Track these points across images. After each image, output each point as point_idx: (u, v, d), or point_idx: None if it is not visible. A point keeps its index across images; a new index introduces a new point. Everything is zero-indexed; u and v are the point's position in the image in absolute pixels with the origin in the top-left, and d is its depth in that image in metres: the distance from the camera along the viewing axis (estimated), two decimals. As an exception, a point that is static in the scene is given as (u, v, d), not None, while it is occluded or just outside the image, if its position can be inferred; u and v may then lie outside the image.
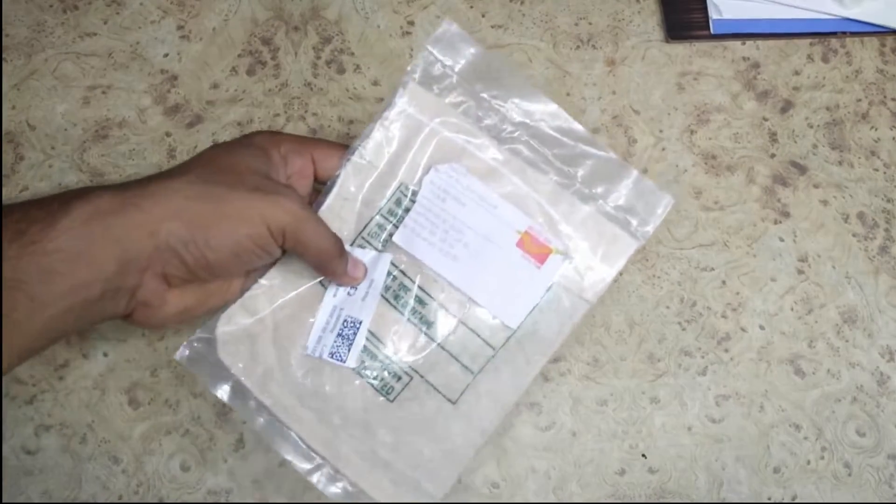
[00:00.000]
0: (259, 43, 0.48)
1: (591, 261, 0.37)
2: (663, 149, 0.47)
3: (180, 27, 0.48)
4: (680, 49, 0.49)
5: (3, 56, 0.47)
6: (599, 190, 0.38)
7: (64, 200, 0.30)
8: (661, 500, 0.41)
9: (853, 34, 0.49)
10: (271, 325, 0.37)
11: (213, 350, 0.36)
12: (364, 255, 0.38)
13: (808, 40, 0.49)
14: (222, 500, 0.41)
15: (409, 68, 0.39)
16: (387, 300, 0.37)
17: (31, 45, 0.48)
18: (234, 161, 0.34)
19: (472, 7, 0.49)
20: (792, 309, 0.44)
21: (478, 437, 0.37)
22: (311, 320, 0.37)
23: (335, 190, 0.38)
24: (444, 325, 0.37)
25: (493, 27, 0.49)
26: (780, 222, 0.46)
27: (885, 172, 0.47)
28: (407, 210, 0.37)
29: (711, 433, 0.42)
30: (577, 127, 0.38)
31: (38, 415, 0.42)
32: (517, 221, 0.37)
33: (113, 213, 0.30)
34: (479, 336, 0.37)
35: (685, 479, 0.42)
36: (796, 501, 0.42)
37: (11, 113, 0.46)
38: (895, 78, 0.49)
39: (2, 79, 0.47)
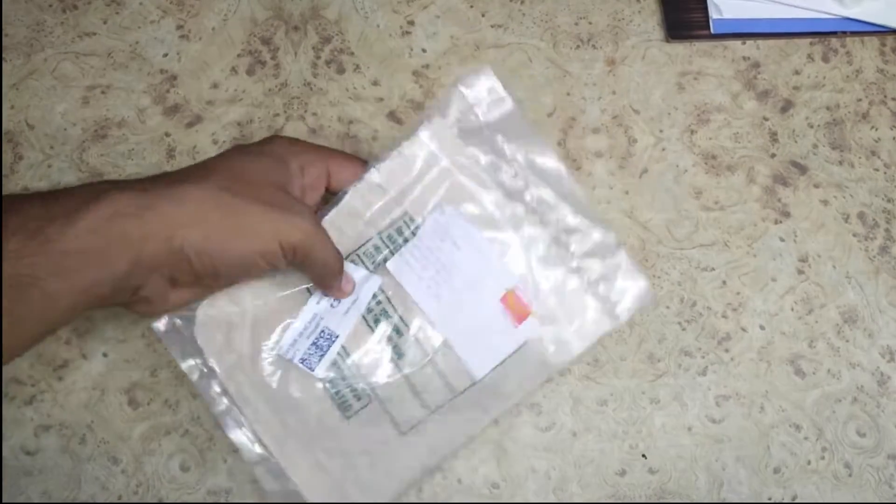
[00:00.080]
0: (259, 43, 0.48)
1: (565, 332, 0.38)
2: (663, 149, 0.47)
3: (180, 27, 0.48)
4: (680, 49, 0.49)
5: (3, 56, 0.47)
6: (589, 266, 0.39)
7: (84, 199, 0.30)
8: (662, 501, 0.41)
9: (853, 34, 0.49)
10: (251, 318, 0.38)
11: (191, 328, 0.37)
12: (355, 271, 0.39)
13: (808, 40, 0.49)
14: (222, 500, 0.41)
15: (435, 103, 0.39)
16: (366, 321, 0.38)
17: (30, 45, 0.48)
18: (254, 172, 0.34)
19: (472, 7, 0.49)
20: (792, 309, 0.44)
21: (418, 471, 0.38)
22: (290, 321, 0.38)
23: (342, 204, 0.38)
24: (415, 358, 0.38)
25: (493, 27, 0.49)
26: (781, 222, 0.46)
27: (885, 172, 0.47)
28: (406, 240, 0.38)
29: (712, 433, 0.42)
30: (583, 197, 0.39)
31: (38, 415, 0.42)
32: (506, 278, 0.38)
33: (131, 215, 0.31)
34: (444, 377, 0.38)
35: (685, 479, 0.42)
36: (796, 502, 0.42)
37: (10, 112, 0.46)
38: (895, 77, 0.49)
39: (1, 78, 0.47)
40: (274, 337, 0.38)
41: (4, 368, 0.42)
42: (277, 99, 0.47)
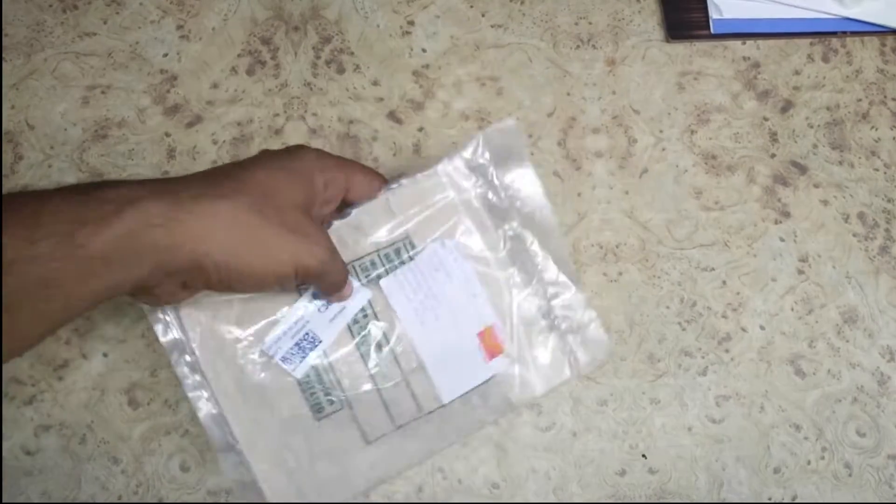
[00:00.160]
0: (259, 43, 0.48)
1: (530, 373, 0.41)
2: (663, 149, 0.47)
3: (180, 27, 0.48)
4: (680, 49, 0.49)
5: (3, 56, 0.47)
6: (562, 317, 0.41)
7: (118, 206, 0.31)
8: (662, 501, 0.41)
9: (853, 34, 0.49)
10: (237, 309, 0.38)
11: (177, 308, 0.38)
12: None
13: (808, 40, 0.49)
14: (222, 500, 0.41)
15: (457, 143, 0.41)
16: (350, 331, 0.40)
17: (30, 45, 0.48)
18: (281, 192, 0.35)
19: (472, 7, 0.49)
20: (792, 309, 0.44)
21: (373, 482, 0.40)
22: (276, 318, 0.39)
23: (350, 218, 0.40)
24: (390, 374, 0.40)
25: (493, 27, 0.49)
26: (781, 222, 0.46)
27: (885, 172, 0.47)
28: (402, 262, 0.40)
29: (712, 433, 0.42)
30: (568, 257, 0.42)
31: (38, 415, 0.42)
32: (487, 315, 0.40)
33: (160, 226, 0.31)
34: (414, 396, 0.40)
35: (685, 479, 0.42)
36: (796, 502, 0.42)
37: (11, 112, 0.46)
38: (895, 77, 0.49)
39: (1, 78, 0.47)
40: (257, 330, 0.39)
41: (4, 368, 0.42)
42: (277, 99, 0.47)
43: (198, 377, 0.38)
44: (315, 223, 0.36)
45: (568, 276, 0.41)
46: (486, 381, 0.40)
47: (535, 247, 0.41)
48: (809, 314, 0.44)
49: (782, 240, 0.46)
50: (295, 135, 0.46)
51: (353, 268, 0.40)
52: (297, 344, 0.39)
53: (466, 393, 0.40)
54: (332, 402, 0.39)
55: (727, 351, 0.44)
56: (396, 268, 0.40)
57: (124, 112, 0.47)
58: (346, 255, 0.39)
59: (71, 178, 0.45)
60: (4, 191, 0.45)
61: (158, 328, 0.37)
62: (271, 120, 0.47)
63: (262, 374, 0.39)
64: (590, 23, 0.49)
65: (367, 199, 0.40)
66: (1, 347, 0.30)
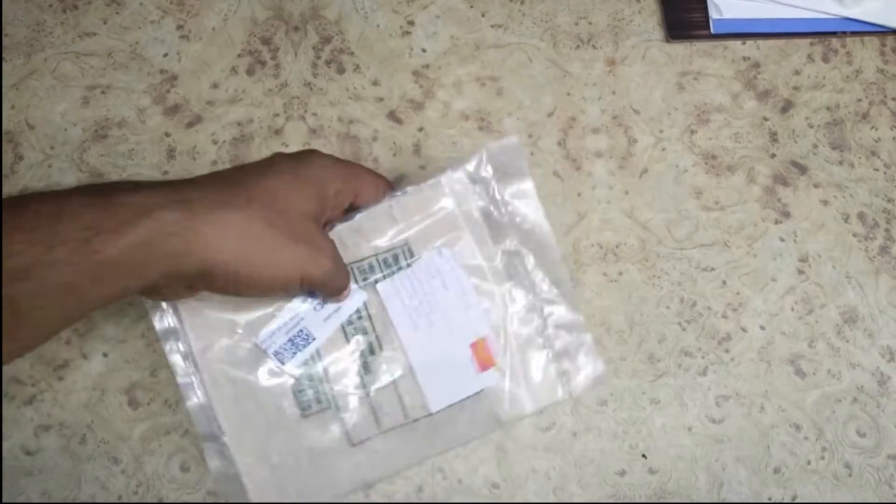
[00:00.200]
0: (259, 43, 0.48)
1: (521, 390, 0.41)
2: (663, 149, 0.47)
3: (180, 27, 0.48)
4: (680, 49, 0.49)
5: (3, 56, 0.47)
6: (557, 337, 0.41)
7: (135, 214, 0.31)
8: (662, 501, 0.41)
9: (853, 34, 0.49)
10: (234, 300, 0.39)
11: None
12: None
13: (808, 40, 0.49)
14: (222, 501, 0.41)
15: (462, 155, 0.42)
16: (344, 332, 0.40)
17: (30, 45, 0.48)
18: (292, 202, 0.36)
19: (472, 7, 0.49)
20: (792, 309, 0.44)
21: (356, 484, 0.40)
22: (271, 311, 0.39)
23: (353, 221, 0.40)
24: (380, 378, 0.40)
25: (493, 27, 0.49)
26: (781, 222, 0.46)
27: (885, 172, 0.47)
28: (400, 268, 0.40)
29: (712, 433, 0.42)
30: (566, 276, 0.42)
31: (38, 415, 0.42)
32: (481, 326, 0.41)
33: (175, 234, 0.32)
34: (402, 402, 0.40)
35: (685, 479, 0.42)
36: (796, 502, 0.42)
37: (11, 112, 0.46)
38: (895, 77, 0.49)
39: (1, 78, 0.47)
40: (251, 321, 0.39)
41: (4, 368, 0.42)
42: (277, 99, 0.47)
43: (190, 366, 0.38)
44: (322, 232, 0.37)
45: (565, 297, 0.41)
46: (476, 394, 0.40)
47: (532, 264, 0.41)
48: (809, 314, 0.44)
49: (782, 240, 0.46)
50: (295, 135, 0.46)
51: (352, 269, 0.40)
52: (290, 340, 0.39)
53: (455, 404, 0.40)
54: (319, 401, 0.39)
55: (727, 351, 0.44)
56: (394, 273, 0.40)
57: (124, 112, 0.47)
58: (345, 257, 0.39)
59: (71, 178, 0.45)
60: (5, 191, 0.45)
61: (155, 315, 0.38)
62: (271, 120, 0.47)
63: (254, 367, 0.39)
64: (590, 23, 0.49)
65: (373, 205, 0.40)
66: (2, 349, 0.30)
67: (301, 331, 0.39)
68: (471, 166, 0.41)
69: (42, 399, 0.42)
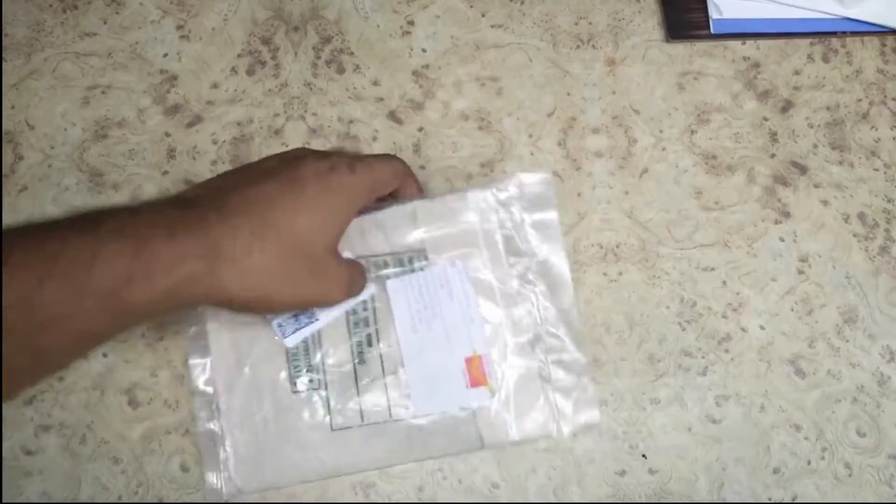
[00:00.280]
0: (259, 43, 0.48)
1: (509, 418, 0.41)
2: (664, 149, 0.47)
3: (180, 27, 0.48)
4: (680, 49, 0.49)
5: (3, 56, 0.47)
6: (556, 374, 0.42)
7: (167, 264, 0.31)
8: (662, 501, 0.41)
9: (853, 34, 0.49)
10: None
11: None
12: None
13: (808, 40, 0.49)
14: (222, 501, 0.41)
15: (493, 176, 0.45)
16: (347, 320, 0.41)
17: (30, 45, 0.48)
18: (314, 239, 0.36)
19: (472, 7, 0.49)
20: (792, 309, 0.44)
21: (329, 470, 0.40)
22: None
23: (377, 215, 0.41)
24: (372, 371, 0.41)
25: (493, 27, 0.49)
26: (781, 222, 0.46)
27: (885, 172, 0.47)
28: (412, 270, 0.42)
29: (712, 433, 0.42)
30: (576, 316, 0.43)
31: (38, 415, 0.42)
32: (479, 344, 0.41)
33: (200, 279, 0.32)
34: (388, 400, 0.41)
35: (685, 479, 0.42)
36: (796, 502, 0.42)
37: (11, 112, 0.46)
38: (895, 78, 0.49)
39: (1, 78, 0.47)
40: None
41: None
42: (277, 99, 0.47)
43: (200, 328, 0.41)
44: (339, 260, 0.38)
45: (573, 337, 0.42)
46: (462, 410, 0.41)
47: (544, 297, 0.42)
48: (809, 314, 0.44)
49: (782, 240, 0.46)
50: (295, 135, 0.46)
51: (367, 261, 0.41)
52: (295, 315, 0.40)
53: (440, 414, 0.41)
54: (311, 380, 0.41)
55: (727, 351, 0.44)
56: (405, 274, 0.41)
57: (124, 112, 0.47)
58: (362, 248, 0.41)
59: (71, 179, 0.45)
60: (5, 191, 0.45)
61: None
62: (271, 120, 0.47)
63: (255, 338, 0.41)
64: (590, 23, 0.49)
65: (397, 202, 0.41)
66: (7, 385, 0.30)
67: (306, 308, 0.40)
68: (500, 190, 0.43)
69: (42, 399, 0.42)
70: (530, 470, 0.42)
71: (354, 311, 0.41)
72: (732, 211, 0.46)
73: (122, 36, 0.48)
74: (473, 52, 0.48)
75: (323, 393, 0.41)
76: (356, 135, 0.47)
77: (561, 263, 0.43)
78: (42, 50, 0.48)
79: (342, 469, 0.40)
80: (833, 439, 0.42)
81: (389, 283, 0.41)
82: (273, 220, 0.35)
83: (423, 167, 0.46)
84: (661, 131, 0.47)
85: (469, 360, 0.41)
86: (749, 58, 0.49)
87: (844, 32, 0.49)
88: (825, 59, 0.49)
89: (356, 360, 0.41)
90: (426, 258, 0.42)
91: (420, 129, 0.47)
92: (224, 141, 0.46)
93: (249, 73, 0.48)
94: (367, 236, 0.41)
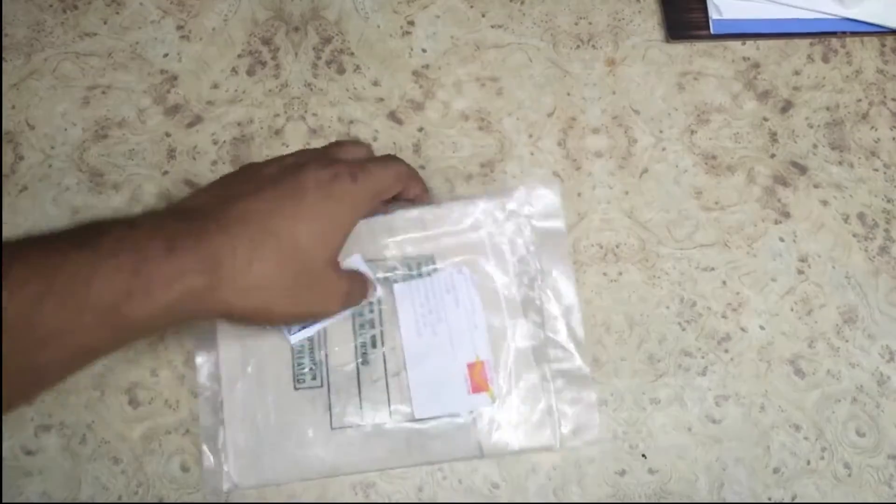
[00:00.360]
0: (259, 43, 0.48)
1: (508, 425, 0.41)
2: (663, 149, 0.47)
3: (180, 27, 0.48)
4: (680, 49, 0.49)
5: (3, 56, 0.47)
6: (559, 386, 0.42)
7: (168, 279, 0.31)
8: (662, 501, 0.41)
9: (853, 34, 0.49)
10: None
11: None
12: (364, 269, 0.42)
13: (808, 40, 0.49)
14: (222, 501, 0.41)
15: (500, 186, 0.45)
16: (353, 320, 0.42)
17: (30, 45, 0.48)
18: (316, 252, 0.36)
19: (472, 7, 0.49)
20: (792, 309, 0.44)
21: (327, 469, 0.40)
22: None
23: (387, 217, 0.42)
24: (374, 373, 0.41)
25: (493, 27, 0.49)
26: (781, 222, 0.46)
27: (885, 173, 0.47)
28: (420, 275, 0.42)
29: (711, 433, 0.42)
30: (581, 330, 0.43)
31: (38, 415, 0.42)
32: (482, 350, 0.42)
33: (199, 294, 0.32)
34: (388, 401, 0.41)
35: (685, 479, 0.42)
36: (796, 502, 0.42)
37: (11, 112, 0.46)
38: (895, 78, 0.49)
39: (1, 78, 0.47)
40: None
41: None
42: (278, 99, 0.47)
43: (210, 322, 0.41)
44: (339, 273, 0.38)
45: (578, 349, 0.42)
46: (462, 415, 0.41)
47: (553, 310, 0.42)
48: (809, 314, 0.44)
49: (782, 240, 0.46)
50: (295, 135, 0.46)
51: (375, 264, 0.42)
52: None
53: (439, 419, 0.41)
54: (314, 377, 0.41)
55: (727, 351, 0.44)
56: (413, 278, 0.42)
57: (125, 112, 0.47)
58: (371, 251, 0.42)
59: (71, 179, 0.45)
60: (5, 191, 0.45)
61: None
62: (271, 120, 0.47)
63: (261, 333, 0.41)
64: (590, 23, 0.49)
65: (406, 208, 0.42)
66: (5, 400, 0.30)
67: (306, 320, 0.41)
68: (509, 200, 0.43)
69: (42, 399, 0.42)
70: (530, 470, 0.42)
71: (360, 313, 0.42)
72: (732, 211, 0.46)
73: (122, 36, 0.48)
74: (473, 52, 0.48)
75: (325, 391, 0.41)
76: (356, 135, 0.47)
77: (567, 274, 0.43)
78: (42, 50, 0.48)
79: (340, 468, 0.40)
80: (833, 439, 0.42)
81: (396, 286, 0.42)
82: (273, 228, 0.34)
83: (423, 167, 0.46)
84: (661, 131, 0.47)
85: (471, 366, 0.41)
86: (749, 58, 0.49)
87: (844, 32, 0.49)
88: (825, 60, 0.49)
89: (359, 361, 0.41)
90: (433, 264, 0.42)
91: (420, 130, 0.47)
92: (224, 141, 0.46)
93: (250, 73, 0.48)
94: (378, 239, 0.42)
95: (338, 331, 0.41)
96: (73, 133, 0.46)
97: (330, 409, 0.41)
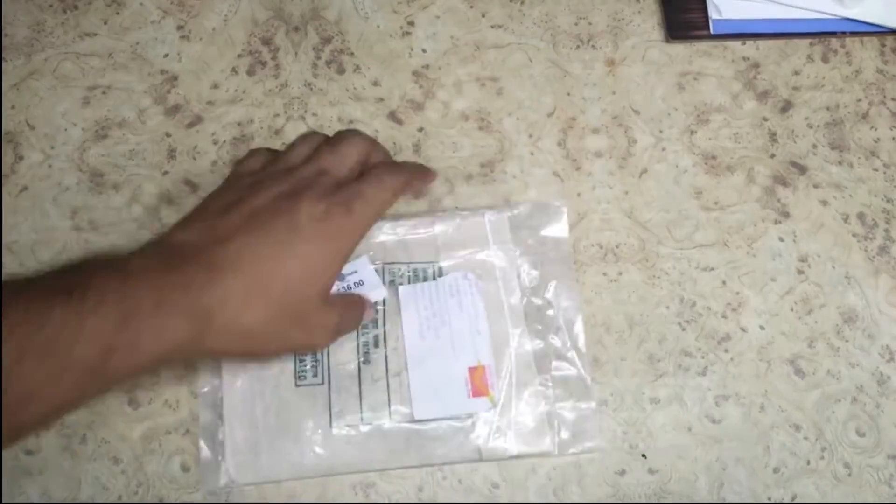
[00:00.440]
0: (259, 43, 0.48)
1: (508, 432, 0.41)
2: (663, 149, 0.47)
3: (180, 27, 0.48)
4: (680, 49, 0.49)
5: (3, 56, 0.47)
6: (559, 395, 0.42)
7: (153, 337, 0.31)
8: (662, 501, 0.41)
9: (853, 34, 0.49)
10: None
11: None
12: (373, 275, 0.43)
13: (808, 40, 0.49)
14: (222, 501, 0.41)
15: (509, 201, 0.45)
16: None
17: (30, 45, 0.48)
18: (302, 280, 0.35)
19: (472, 7, 0.49)
20: (792, 309, 0.44)
21: (324, 468, 0.40)
22: None
23: (400, 237, 0.43)
24: (376, 373, 0.41)
25: (493, 27, 0.49)
26: (780, 222, 0.46)
27: (884, 172, 0.47)
28: (425, 279, 0.43)
29: (711, 433, 0.42)
30: (584, 343, 0.43)
31: (38, 415, 0.42)
32: (484, 353, 0.42)
33: (185, 345, 0.32)
34: (389, 401, 0.41)
35: (685, 479, 0.42)
36: (796, 501, 0.42)
37: (11, 112, 0.46)
38: (895, 78, 0.49)
39: (1, 78, 0.47)
40: None
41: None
42: (278, 99, 0.47)
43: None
44: (328, 306, 0.37)
45: (579, 356, 0.42)
46: (461, 417, 0.41)
47: (554, 318, 0.43)
48: (809, 314, 0.44)
49: (782, 240, 0.46)
50: (295, 135, 0.46)
51: (384, 269, 0.43)
52: None
53: (439, 422, 0.41)
54: (315, 375, 0.41)
55: (727, 351, 0.44)
56: (418, 281, 0.43)
57: (125, 112, 0.47)
58: (381, 255, 0.43)
59: (71, 179, 0.45)
60: (5, 192, 0.45)
61: None
62: (271, 120, 0.47)
63: None
64: (590, 23, 0.49)
65: (414, 216, 0.44)
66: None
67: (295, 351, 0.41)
68: (515, 212, 0.44)
69: (42, 399, 0.42)
70: (530, 470, 0.42)
71: None
72: (732, 211, 0.46)
73: (122, 36, 0.48)
74: (473, 52, 0.48)
75: (325, 389, 0.41)
76: (356, 135, 0.47)
77: (570, 284, 0.44)
78: (42, 50, 0.48)
79: (339, 468, 0.40)
80: (832, 439, 0.42)
81: (401, 288, 0.43)
82: (265, 276, 0.34)
83: (423, 167, 0.46)
84: (660, 131, 0.47)
85: (472, 370, 0.41)
86: (749, 58, 0.49)
87: (844, 33, 0.49)
88: (825, 60, 0.49)
89: (361, 360, 0.41)
90: (441, 272, 0.43)
91: (420, 130, 0.47)
92: (224, 141, 0.46)
93: (250, 73, 0.48)
94: (388, 243, 0.43)
95: None
96: (74, 133, 0.46)
97: (330, 407, 0.41)
